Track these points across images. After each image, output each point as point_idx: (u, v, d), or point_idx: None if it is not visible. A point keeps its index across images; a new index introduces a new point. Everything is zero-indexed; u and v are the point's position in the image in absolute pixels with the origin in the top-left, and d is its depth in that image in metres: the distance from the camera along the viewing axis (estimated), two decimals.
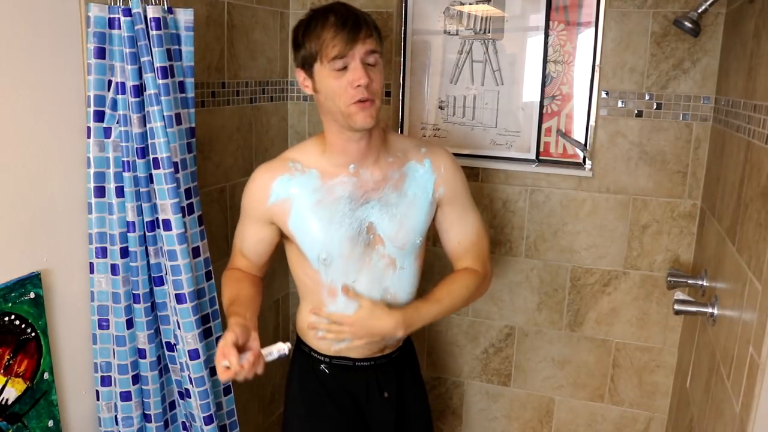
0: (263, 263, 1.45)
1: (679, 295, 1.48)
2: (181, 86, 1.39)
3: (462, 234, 1.44)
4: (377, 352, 1.42)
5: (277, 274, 2.19)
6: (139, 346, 1.40)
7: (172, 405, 1.52)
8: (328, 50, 1.20)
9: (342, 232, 1.31)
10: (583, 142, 1.92)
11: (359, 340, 1.33)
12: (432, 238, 1.81)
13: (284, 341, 1.24)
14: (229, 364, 1.14)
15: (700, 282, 1.55)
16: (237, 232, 1.43)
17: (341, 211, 1.30)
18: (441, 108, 2.05)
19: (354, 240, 1.32)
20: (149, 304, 1.39)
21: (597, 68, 1.85)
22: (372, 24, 1.25)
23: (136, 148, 1.31)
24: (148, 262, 1.38)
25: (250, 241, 1.41)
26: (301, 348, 1.47)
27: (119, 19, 1.27)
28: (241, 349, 1.17)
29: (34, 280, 1.23)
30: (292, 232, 1.33)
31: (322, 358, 1.42)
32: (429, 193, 1.38)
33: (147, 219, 1.35)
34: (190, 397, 1.44)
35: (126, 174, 1.32)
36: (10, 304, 1.19)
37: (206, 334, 1.46)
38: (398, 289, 1.37)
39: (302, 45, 1.25)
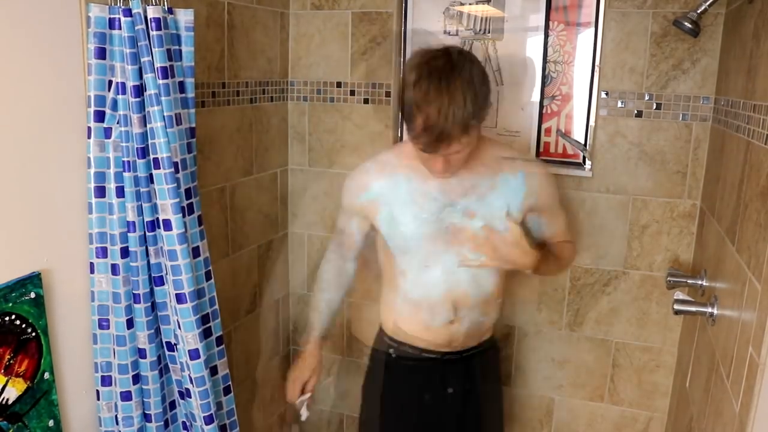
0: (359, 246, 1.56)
1: (679, 295, 1.48)
2: (182, 86, 1.39)
3: (552, 231, 1.54)
4: (444, 345, 1.46)
5: (276, 275, 2.19)
6: (140, 346, 1.40)
7: (173, 405, 1.52)
8: (413, 138, 1.22)
9: (424, 229, 1.36)
10: (582, 142, 1.92)
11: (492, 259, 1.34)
12: None
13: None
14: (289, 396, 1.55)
15: (699, 282, 1.55)
16: (338, 222, 1.57)
17: (428, 210, 1.35)
18: None
19: (434, 237, 1.37)
20: (149, 303, 1.39)
21: (597, 68, 1.85)
22: (471, 108, 1.18)
23: (137, 148, 1.31)
24: (148, 262, 1.38)
25: (348, 228, 1.53)
26: (378, 335, 1.55)
27: (120, 19, 1.27)
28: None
29: (34, 279, 1.23)
30: (381, 226, 1.40)
31: (391, 342, 1.49)
32: (517, 202, 1.40)
33: (147, 219, 1.35)
34: (190, 397, 1.45)
35: (126, 174, 1.32)
36: (10, 304, 1.19)
37: (206, 333, 1.46)
38: (470, 285, 1.42)
39: (403, 90, 1.22)
